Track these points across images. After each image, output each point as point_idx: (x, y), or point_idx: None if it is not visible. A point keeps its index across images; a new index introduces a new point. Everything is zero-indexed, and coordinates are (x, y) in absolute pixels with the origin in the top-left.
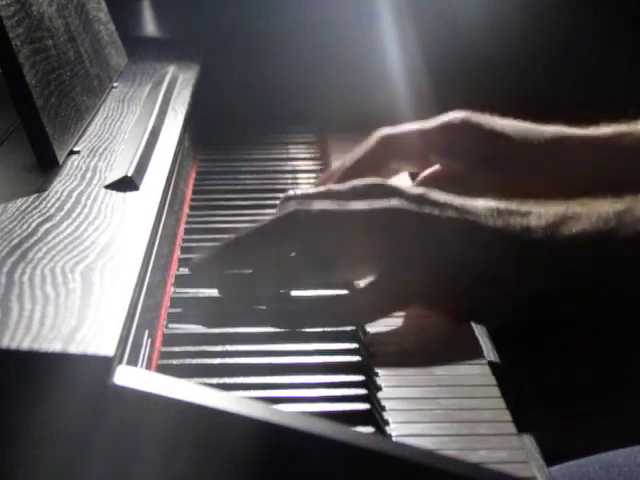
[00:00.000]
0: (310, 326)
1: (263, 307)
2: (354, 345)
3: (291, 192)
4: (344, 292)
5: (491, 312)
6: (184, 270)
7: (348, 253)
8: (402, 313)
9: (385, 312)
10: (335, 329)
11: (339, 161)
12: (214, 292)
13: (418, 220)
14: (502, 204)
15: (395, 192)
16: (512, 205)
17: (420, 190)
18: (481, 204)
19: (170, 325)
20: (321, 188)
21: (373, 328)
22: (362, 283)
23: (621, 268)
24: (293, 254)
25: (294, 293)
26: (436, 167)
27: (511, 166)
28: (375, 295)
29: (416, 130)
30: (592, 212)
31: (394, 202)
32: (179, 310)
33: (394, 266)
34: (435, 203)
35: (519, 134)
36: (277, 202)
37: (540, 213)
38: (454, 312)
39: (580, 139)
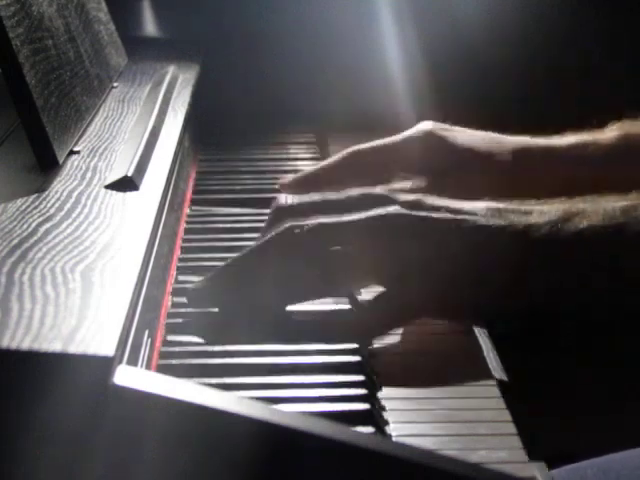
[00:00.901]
0: (311, 341)
1: (264, 323)
2: (354, 345)
3: (282, 199)
4: (346, 307)
5: (494, 313)
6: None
7: (349, 265)
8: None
9: (389, 328)
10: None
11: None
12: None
13: (416, 224)
14: (502, 204)
15: (390, 200)
16: (513, 204)
17: (416, 196)
18: (480, 205)
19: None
20: (314, 196)
21: None
22: (365, 295)
23: (629, 264)
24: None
25: (295, 308)
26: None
27: (477, 179)
28: (379, 312)
29: (382, 145)
30: (597, 208)
31: (390, 209)
32: (179, 311)
33: (395, 274)
34: (432, 207)
35: (483, 146)
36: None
37: (543, 210)
38: (459, 317)
39: (544, 150)
